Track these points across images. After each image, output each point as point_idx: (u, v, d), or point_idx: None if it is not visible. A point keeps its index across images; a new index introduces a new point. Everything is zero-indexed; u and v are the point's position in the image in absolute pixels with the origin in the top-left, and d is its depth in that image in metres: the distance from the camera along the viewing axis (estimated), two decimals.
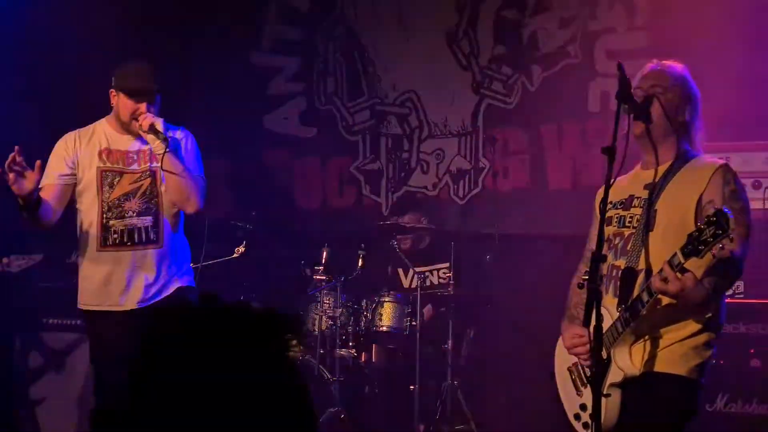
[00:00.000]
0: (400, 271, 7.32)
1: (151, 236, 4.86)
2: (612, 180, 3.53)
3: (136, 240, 4.84)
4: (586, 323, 3.38)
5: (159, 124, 4.74)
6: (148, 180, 4.88)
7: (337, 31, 8.52)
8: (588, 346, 3.72)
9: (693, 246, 3.31)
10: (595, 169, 7.21)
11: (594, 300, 3.36)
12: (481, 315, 6.95)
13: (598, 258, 3.43)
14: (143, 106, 4.80)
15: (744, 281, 5.35)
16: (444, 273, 7.05)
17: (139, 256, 4.86)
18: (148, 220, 4.85)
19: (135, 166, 4.90)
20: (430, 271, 7.20)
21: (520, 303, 6.86)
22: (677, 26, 7.04)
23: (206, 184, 4.95)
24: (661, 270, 3.43)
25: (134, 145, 4.93)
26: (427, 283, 7.11)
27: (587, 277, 3.48)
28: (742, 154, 5.61)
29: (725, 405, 5.18)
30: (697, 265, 3.43)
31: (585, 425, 3.85)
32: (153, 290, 4.87)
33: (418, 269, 7.03)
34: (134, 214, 4.84)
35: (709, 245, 3.27)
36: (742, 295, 5.41)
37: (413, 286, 7.05)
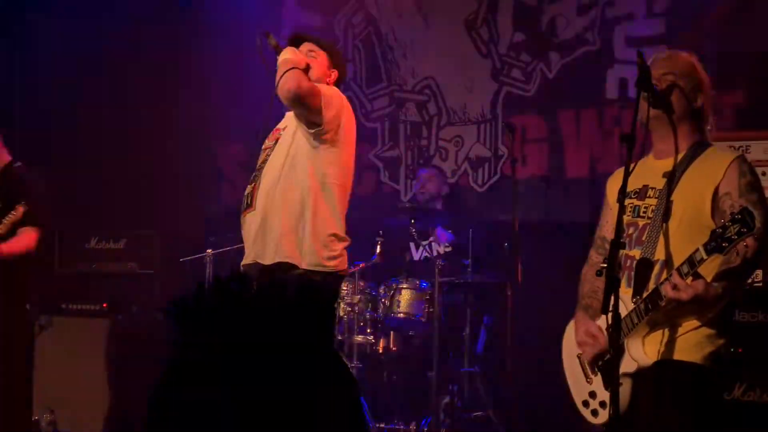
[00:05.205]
0: (412, 245, 7.35)
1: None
2: (632, 167, 3.52)
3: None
4: (604, 310, 3.38)
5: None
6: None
7: (356, 17, 8.52)
8: (596, 350, 3.76)
9: (716, 243, 3.30)
10: (613, 157, 7.21)
11: (613, 288, 3.36)
12: (498, 302, 6.95)
13: (617, 245, 3.42)
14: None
15: (763, 269, 5.33)
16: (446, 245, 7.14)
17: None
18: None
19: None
20: (436, 241, 7.25)
21: (537, 290, 6.85)
22: (696, 13, 7.02)
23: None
24: (670, 277, 3.44)
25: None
26: (434, 253, 7.14)
27: (606, 265, 3.48)
28: (764, 143, 5.58)
29: (743, 394, 5.16)
30: (711, 260, 3.42)
31: (594, 412, 3.86)
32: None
33: (424, 242, 7.16)
34: None
35: (733, 243, 3.27)
36: (760, 284, 5.38)
37: (422, 258, 7.24)
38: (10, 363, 5.90)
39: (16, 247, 5.75)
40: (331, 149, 4.69)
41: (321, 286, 1.30)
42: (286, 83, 4.59)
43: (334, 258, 4.66)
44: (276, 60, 4.80)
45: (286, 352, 1.22)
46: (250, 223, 4.72)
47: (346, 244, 4.74)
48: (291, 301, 1.25)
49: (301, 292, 1.26)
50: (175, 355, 1.25)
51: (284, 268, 4.57)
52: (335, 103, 4.71)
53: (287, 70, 4.62)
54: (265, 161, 4.78)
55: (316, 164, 4.67)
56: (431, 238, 7.26)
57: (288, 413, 1.20)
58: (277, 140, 4.83)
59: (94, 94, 8.29)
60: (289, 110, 4.86)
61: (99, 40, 8.18)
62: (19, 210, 5.61)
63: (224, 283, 1.26)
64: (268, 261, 4.63)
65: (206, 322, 1.24)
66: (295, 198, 4.64)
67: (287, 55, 4.76)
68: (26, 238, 5.80)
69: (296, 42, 4.98)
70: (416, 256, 7.35)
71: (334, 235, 4.68)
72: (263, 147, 4.91)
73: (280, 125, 4.94)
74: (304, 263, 4.61)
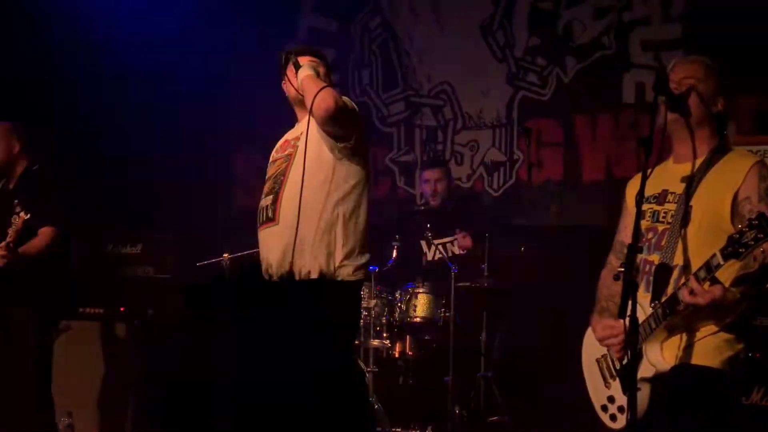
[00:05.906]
0: (423, 244, 7.32)
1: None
2: (649, 171, 3.51)
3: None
4: (621, 314, 3.37)
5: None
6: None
7: (372, 22, 8.53)
8: (621, 336, 3.72)
9: (733, 248, 3.28)
10: (629, 161, 7.21)
11: (630, 291, 3.35)
12: (515, 307, 6.94)
13: (634, 249, 3.41)
14: None
15: None
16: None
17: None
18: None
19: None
20: (451, 242, 7.22)
21: (553, 294, 6.85)
22: (713, 17, 7.00)
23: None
24: (688, 281, 3.43)
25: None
26: (449, 253, 7.13)
27: (623, 269, 3.46)
28: None
29: (761, 398, 5.15)
30: (729, 264, 3.41)
31: (612, 417, 3.85)
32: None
33: (438, 241, 7.12)
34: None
35: (750, 248, 3.26)
36: None
37: (435, 258, 7.15)
38: (28, 366, 5.93)
39: (29, 249, 5.80)
40: (353, 161, 4.52)
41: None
42: (324, 101, 4.33)
43: (361, 268, 4.50)
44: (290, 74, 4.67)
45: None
46: (272, 238, 4.50)
47: (369, 255, 4.58)
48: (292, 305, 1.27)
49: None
50: (190, 338, 1.27)
51: (320, 283, 4.39)
52: (356, 113, 4.58)
53: (322, 89, 4.38)
54: (281, 173, 4.59)
55: (340, 175, 4.49)
56: (449, 239, 7.23)
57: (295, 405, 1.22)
58: (289, 152, 4.63)
59: (115, 99, 8.32)
60: (299, 121, 4.76)
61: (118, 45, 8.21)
62: (19, 219, 5.61)
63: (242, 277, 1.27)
64: (302, 277, 4.41)
65: (220, 310, 1.25)
66: (324, 211, 4.44)
67: (309, 71, 4.55)
68: (39, 240, 5.85)
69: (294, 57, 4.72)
70: (430, 256, 7.31)
71: (363, 247, 4.51)
72: (272, 159, 4.73)
73: (290, 136, 4.75)
74: (336, 276, 4.41)
